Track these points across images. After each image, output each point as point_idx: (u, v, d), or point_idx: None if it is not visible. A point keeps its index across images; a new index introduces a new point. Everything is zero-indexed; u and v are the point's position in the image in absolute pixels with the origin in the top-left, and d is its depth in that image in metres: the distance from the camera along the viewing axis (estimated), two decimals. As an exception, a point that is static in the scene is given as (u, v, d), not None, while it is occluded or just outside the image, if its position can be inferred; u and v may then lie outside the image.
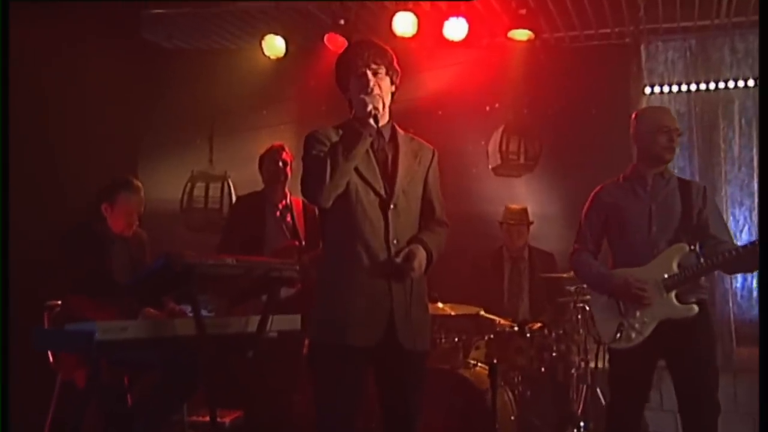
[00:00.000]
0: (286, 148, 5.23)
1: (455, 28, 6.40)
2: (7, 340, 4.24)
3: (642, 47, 7.04)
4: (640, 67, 7.03)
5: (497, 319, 5.46)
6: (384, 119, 3.13)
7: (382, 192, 3.08)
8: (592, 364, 5.18)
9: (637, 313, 3.79)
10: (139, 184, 4.55)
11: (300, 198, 5.09)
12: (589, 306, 5.13)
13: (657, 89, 7.04)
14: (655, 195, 3.91)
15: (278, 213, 5.14)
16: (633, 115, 4.08)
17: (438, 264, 3.16)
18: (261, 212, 5.13)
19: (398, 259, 3.02)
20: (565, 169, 6.73)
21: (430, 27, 6.47)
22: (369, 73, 3.10)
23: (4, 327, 4.25)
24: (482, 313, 5.41)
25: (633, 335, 3.77)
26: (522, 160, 6.70)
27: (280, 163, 5.13)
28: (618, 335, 3.79)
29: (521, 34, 6.43)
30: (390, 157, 3.15)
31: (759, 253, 3.55)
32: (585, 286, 4.98)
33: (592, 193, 4.09)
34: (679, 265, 3.77)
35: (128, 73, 6.68)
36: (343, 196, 3.03)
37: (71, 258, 4.27)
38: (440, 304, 5.19)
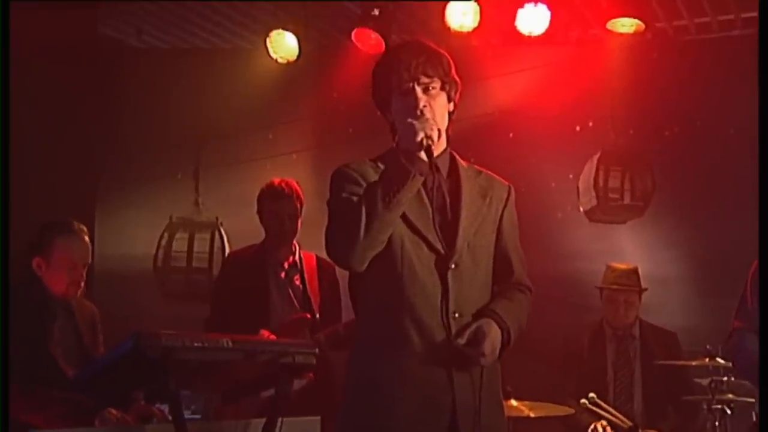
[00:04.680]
0: (295, 187, 5.22)
1: (532, 19, 6.44)
2: None
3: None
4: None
5: (609, 413, 5.38)
6: (440, 148, 3.14)
7: (439, 246, 3.07)
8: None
9: None
10: (81, 226, 4.55)
11: (313, 253, 5.13)
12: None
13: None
14: None
15: (283, 274, 5.18)
16: None
17: (514, 347, 3.13)
18: (261, 273, 5.17)
19: (462, 340, 3.01)
20: (689, 213, 6.68)
21: (498, 17, 6.52)
22: (418, 89, 3.11)
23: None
24: (585, 402, 5.35)
25: None
26: (627, 201, 6.71)
27: (287, 220, 5.13)
28: None
29: (626, 24, 6.46)
30: (449, 197, 3.16)
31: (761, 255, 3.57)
32: (731, 379, 4.90)
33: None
34: None
35: (81, 81, 6.76)
36: (384, 251, 3.03)
37: None
38: (514, 402, 5.15)
